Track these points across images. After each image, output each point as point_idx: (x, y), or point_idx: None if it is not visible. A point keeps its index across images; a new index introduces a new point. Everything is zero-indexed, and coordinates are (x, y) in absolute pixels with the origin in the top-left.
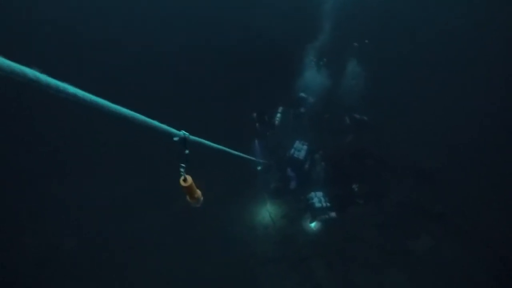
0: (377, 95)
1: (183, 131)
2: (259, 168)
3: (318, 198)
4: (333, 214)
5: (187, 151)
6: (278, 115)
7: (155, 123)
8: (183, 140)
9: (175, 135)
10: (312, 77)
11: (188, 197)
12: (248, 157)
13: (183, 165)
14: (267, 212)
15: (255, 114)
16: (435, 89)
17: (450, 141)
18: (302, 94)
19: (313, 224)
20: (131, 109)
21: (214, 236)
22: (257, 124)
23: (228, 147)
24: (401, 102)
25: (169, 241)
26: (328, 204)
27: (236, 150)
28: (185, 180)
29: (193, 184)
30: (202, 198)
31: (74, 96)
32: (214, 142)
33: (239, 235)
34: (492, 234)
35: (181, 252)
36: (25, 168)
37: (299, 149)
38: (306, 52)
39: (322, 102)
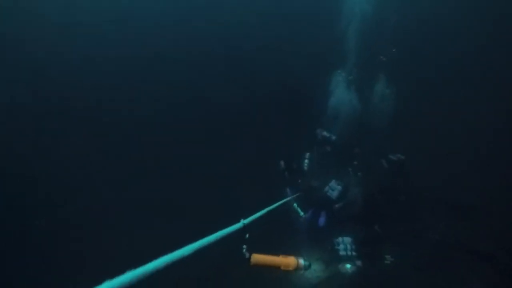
0: (408, 120)
1: (242, 220)
2: (295, 205)
3: (344, 245)
4: (359, 263)
5: (247, 235)
6: (306, 160)
7: (217, 235)
8: (243, 227)
9: (239, 229)
10: (338, 106)
11: (282, 269)
12: (285, 200)
13: (244, 246)
14: (302, 254)
15: (282, 163)
16: (473, 111)
17: (491, 172)
18: (325, 133)
19: (348, 266)
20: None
21: (249, 280)
22: (286, 173)
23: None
24: (433, 128)
25: None
26: (354, 253)
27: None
28: (250, 259)
29: (264, 257)
30: (301, 261)
31: None
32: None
33: (273, 280)
34: None
35: None
36: None
37: (334, 188)
38: (330, 80)
39: (350, 135)
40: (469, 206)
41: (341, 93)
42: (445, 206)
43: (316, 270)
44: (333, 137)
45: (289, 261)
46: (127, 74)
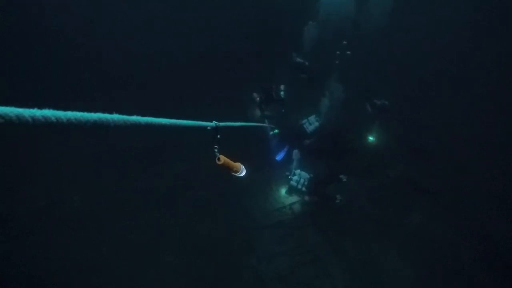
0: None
1: (214, 121)
2: (274, 132)
3: (298, 178)
4: (306, 198)
5: (218, 136)
6: (282, 92)
7: (190, 122)
8: (215, 128)
9: (209, 126)
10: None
11: (231, 172)
12: (262, 124)
13: (216, 147)
14: (269, 180)
15: (256, 95)
16: (445, 56)
17: (449, 120)
18: (299, 59)
19: (284, 192)
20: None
21: (214, 200)
22: (263, 106)
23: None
24: (406, 73)
25: (168, 203)
26: (304, 189)
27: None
28: (219, 159)
29: (228, 160)
30: (243, 168)
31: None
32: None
33: (240, 202)
34: (480, 215)
35: (182, 212)
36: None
37: (311, 122)
38: None
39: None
40: (427, 150)
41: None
42: (407, 149)
43: (281, 197)
44: (307, 63)
45: (237, 166)
46: None
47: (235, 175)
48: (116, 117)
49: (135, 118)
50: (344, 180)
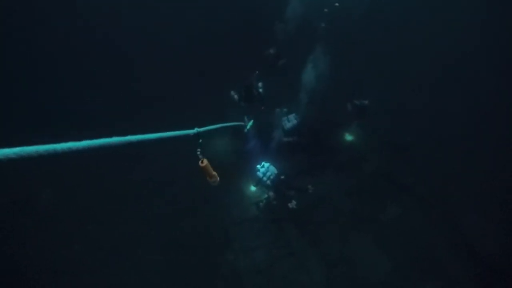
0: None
1: (196, 128)
2: (248, 127)
3: (265, 170)
4: (271, 193)
5: (200, 141)
6: (260, 90)
7: (172, 133)
8: (197, 134)
9: (191, 133)
10: None
11: (207, 177)
12: (239, 123)
13: (199, 150)
14: (245, 176)
15: (234, 93)
16: (425, 53)
17: (426, 116)
18: (271, 50)
19: (253, 188)
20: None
21: (192, 196)
22: (242, 104)
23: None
24: (389, 69)
25: (145, 198)
26: (269, 183)
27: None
28: (202, 162)
29: (209, 165)
30: (218, 178)
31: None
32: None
33: (216, 197)
34: (454, 209)
35: (157, 210)
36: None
37: (290, 120)
38: None
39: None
40: (404, 146)
41: None
42: (384, 144)
43: (257, 192)
44: (281, 51)
45: (215, 175)
46: None
47: (208, 181)
48: (93, 142)
49: (116, 139)
50: (311, 192)
